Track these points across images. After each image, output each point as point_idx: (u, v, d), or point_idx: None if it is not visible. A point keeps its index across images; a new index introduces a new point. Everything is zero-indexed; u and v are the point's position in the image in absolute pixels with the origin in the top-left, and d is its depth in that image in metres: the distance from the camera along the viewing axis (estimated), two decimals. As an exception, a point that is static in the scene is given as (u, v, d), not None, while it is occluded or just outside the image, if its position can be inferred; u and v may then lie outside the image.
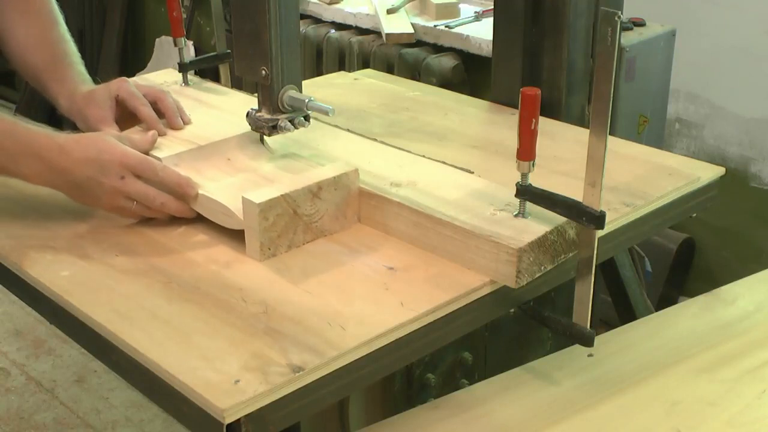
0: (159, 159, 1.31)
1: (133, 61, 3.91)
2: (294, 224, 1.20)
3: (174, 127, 1.42)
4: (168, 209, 1.26)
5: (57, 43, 1.50)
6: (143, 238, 1.25)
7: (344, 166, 1.26)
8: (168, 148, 1.35)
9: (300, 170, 1.29)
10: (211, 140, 1.37)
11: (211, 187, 1.27)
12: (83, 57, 1.53)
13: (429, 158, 1.36)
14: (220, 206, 1.23)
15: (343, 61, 2.84)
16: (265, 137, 1.38)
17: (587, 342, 1.15)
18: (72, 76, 1.47)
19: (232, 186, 1.27)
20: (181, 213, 1.27)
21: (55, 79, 1.46)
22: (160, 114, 1.42)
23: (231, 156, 1.37)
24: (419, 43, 2.69)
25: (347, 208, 1.25)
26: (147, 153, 1.31)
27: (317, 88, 1.79)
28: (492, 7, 1.94)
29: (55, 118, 1.55)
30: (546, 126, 1.30)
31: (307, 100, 1.30)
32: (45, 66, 1.47)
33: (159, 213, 1.26)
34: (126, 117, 1.42)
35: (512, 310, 1.25)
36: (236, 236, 1.22)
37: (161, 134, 1.38)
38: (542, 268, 1.13)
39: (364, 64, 2.75)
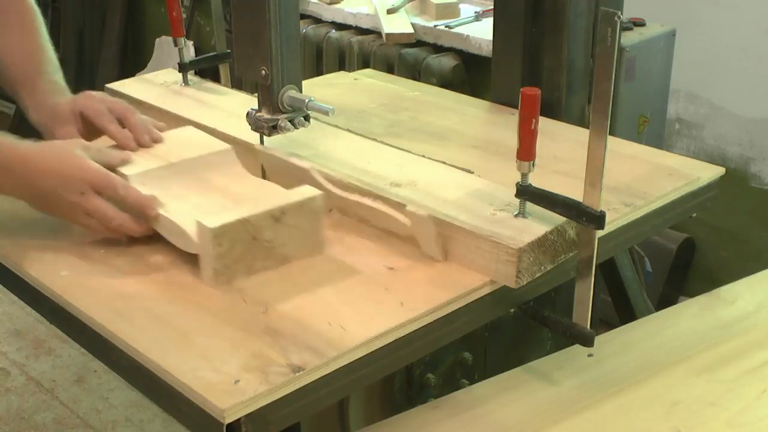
0: (125, 176, 1.25)
1: (133, 61, 3.90)
2: (253, 250, 1.14)
3: (142, 145, 1.35)
4: (125, 230, 1.21)
5: (33, 53, 1.45)
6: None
7: (311, 190, 1.20)
8: (139, 165, 1.29)
9: (273, 193, 1.23)
10: (186, 157, 1.31)
11: (175, 207, 1.21)
12: (83, 57, 1.51)
13: (429, 158, 1.36)
14: (178, 228, 1.17)
15: (343, 61, 2.84)
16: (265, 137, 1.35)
17: (587, 342, 1.15)
18: (42, 86, 1.41)
19: (198, 207, 1.21)
20: (139, 234, 1.21)
21: (26, 91, 1.41)
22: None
23: (204, 174, 1.30)
24: (419, 43, 2.69)
25: (314, 235, 1.20)
26: (114, 168, 1.25)
27: (317, 88, 1.78)
28: (492, 7, 1.94)
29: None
30: (546, 126, 1.30)
31: (307, 100, 1.30)
32: (20, 77, 1.43)
33: (117, 232, 1.22)
34: (93, 131, 1.37)
35: (512, 310, 1.25)
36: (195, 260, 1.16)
37: (133, 151, 1.33)
38: (542, 268, 1.13)
39: (364, 64, 2.75)
